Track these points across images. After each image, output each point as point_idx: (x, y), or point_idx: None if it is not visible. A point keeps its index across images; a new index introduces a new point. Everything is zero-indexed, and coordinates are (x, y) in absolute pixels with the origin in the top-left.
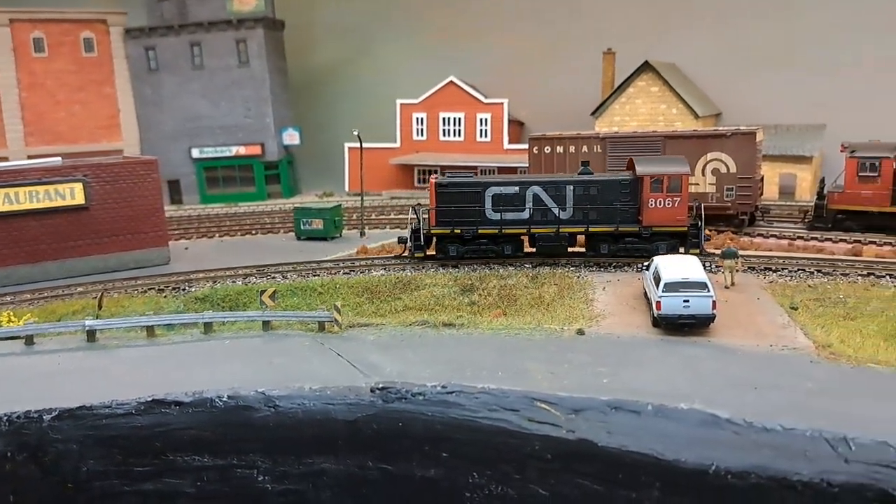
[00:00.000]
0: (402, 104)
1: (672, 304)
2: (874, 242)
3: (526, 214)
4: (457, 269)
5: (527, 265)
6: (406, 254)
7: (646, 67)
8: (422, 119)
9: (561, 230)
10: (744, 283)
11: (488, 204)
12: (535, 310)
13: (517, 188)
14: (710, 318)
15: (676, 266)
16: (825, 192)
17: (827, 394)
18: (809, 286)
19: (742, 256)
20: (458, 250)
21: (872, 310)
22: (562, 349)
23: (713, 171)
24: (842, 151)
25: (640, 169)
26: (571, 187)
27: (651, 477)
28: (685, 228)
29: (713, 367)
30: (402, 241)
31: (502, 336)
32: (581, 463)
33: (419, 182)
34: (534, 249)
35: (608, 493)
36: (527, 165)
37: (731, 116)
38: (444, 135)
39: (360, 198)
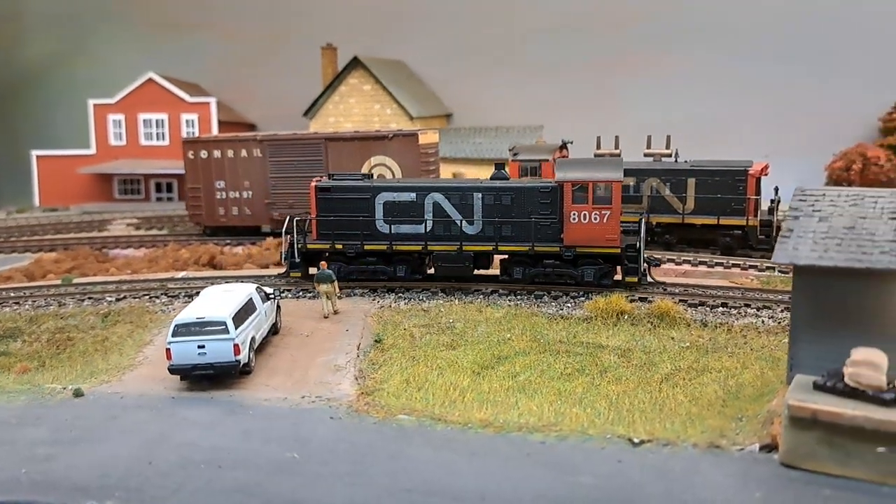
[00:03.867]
0: (95, 105)
1: (185, 352)
2: None
3: (424, 228)
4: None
5: (109, 297)
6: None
7: (356, 64)
8: (119, 121)
9: (464, 249)
10: (353, 309)
11: (379, 213)
12: (84, 358)
13: (414, 195)
14: (233, 367)
15: (205, 301)
16: None
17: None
18: (423, 310)
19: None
20: (341, 270)
21: (478, 336)
22: (25, 422)
23: (379, 177)
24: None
25: (560, 174)
26: (480, 195)
27: None
28: (618, 250)
29: (192, 438)
30: (284, 258)
31: None
32: None
33: (121, 193)
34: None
35: None
36: None
37: (462, 117)
38: (146, 139)
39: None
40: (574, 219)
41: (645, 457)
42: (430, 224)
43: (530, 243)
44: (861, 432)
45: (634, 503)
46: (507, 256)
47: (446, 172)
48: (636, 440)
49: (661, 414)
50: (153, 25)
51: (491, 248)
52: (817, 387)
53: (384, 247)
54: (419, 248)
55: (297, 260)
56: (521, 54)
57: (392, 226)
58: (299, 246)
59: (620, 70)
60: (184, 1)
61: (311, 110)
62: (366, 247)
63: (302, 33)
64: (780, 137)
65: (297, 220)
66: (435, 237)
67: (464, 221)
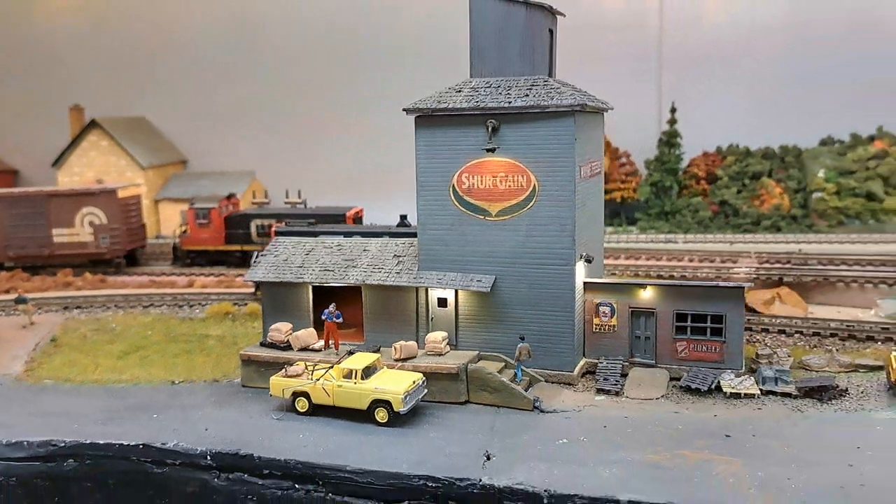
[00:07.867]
0: None
1: None
2: (203, 274)
3: None
4: None
5: None
6: None
7: (93, 125)
8: None
9: None
10: (46, 321)
11: None
12: None
13: None
14: None
15: None
16: (181, 235)
17: None
18: (97, 319)
19: (35, 299)
20: None
21: (131, 334)
22: None
23: (90, 223)
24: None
25: None
26: None
27: None
28: None
29: None
30: None
31: None
32: None
33: None
34: None
35: None
36: None
37: (197, 163)
38: None
39: None
40: None
41: (173, 389)
42: None
43: None
44: (270, 364)
45: (149, 407)
46: None
47: (175, 211)
48: (176, 381)
49: (211, 368)
50: None
51: None
52: (261, 344)
53: None
54: None
55: None
56: (246, 110)
57: None
58: None
59: (324, 127)
60: None
61: (58, 161)
62: None
63: (61, 88)
64: None
65: None
66: None
67: None
